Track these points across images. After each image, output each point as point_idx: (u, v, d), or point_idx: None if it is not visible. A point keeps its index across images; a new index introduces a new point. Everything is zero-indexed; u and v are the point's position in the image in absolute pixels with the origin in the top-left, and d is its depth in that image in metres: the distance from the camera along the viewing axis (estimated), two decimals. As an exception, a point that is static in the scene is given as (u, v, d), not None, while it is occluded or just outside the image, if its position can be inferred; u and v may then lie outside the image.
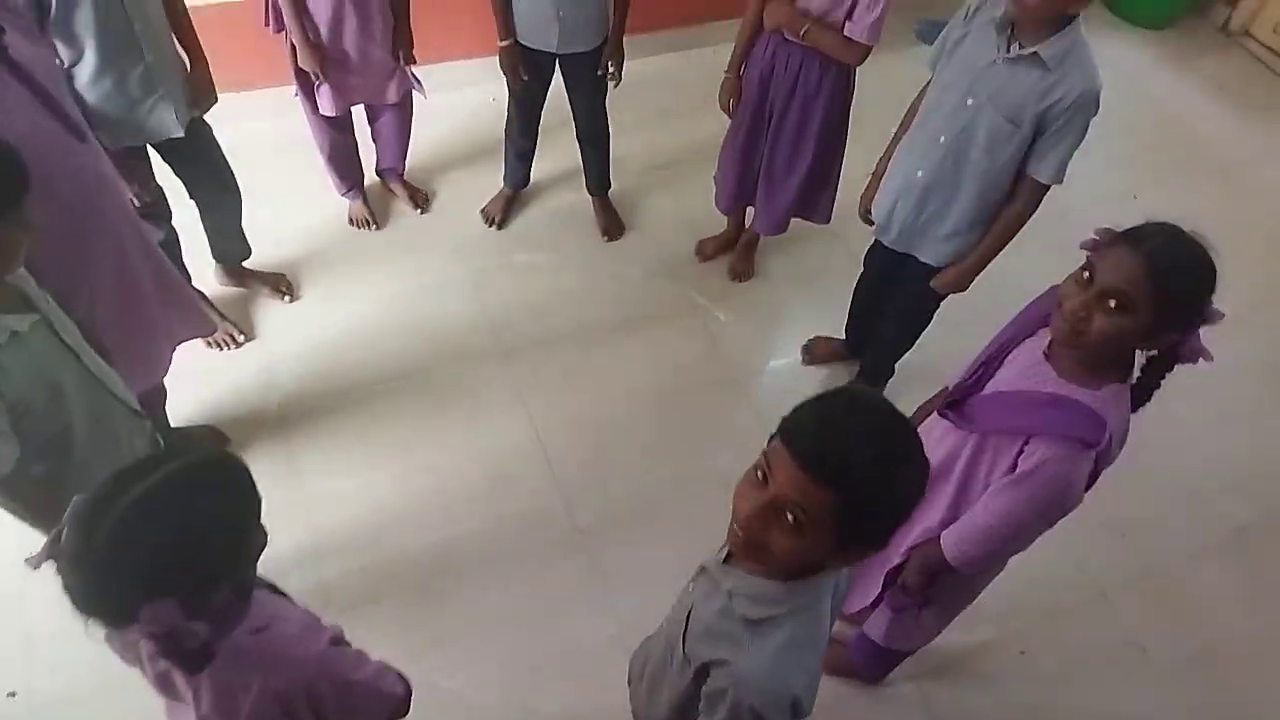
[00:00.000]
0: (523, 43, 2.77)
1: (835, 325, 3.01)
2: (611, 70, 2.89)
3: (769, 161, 2.82)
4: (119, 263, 1.99)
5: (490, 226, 3.35)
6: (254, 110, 3.23)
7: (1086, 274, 1.46)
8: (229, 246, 2.90)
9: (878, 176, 2.45)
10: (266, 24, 2.68)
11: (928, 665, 2.36)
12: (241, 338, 2.89)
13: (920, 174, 2.23)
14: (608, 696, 1.77)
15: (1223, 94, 4.36)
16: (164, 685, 1.25)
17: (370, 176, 3.32)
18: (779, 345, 3.14)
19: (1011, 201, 2.18)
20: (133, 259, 2.03)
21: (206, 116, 2.50)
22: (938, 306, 2.55)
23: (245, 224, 2.86)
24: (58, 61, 2.06)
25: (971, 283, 2.39)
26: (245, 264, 2.98)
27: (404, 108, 3.06)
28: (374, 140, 3.22)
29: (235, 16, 2.95)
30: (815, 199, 2.94)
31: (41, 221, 1.49)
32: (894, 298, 2.64)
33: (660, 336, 3.09)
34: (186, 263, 2.71)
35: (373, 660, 1.42)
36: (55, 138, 1.75)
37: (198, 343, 2.53)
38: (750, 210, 3.09)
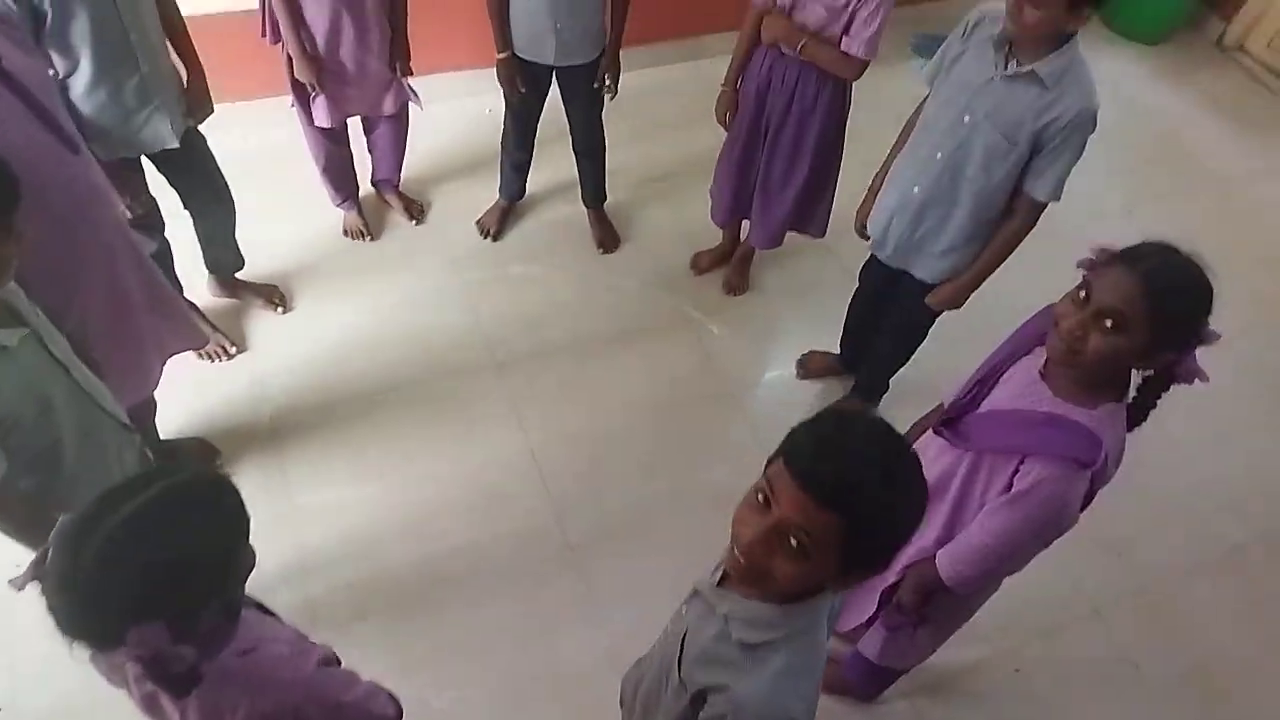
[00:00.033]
0: (520, 55, 2.77)
1: (830, 339, 3.01)
2: (608, 83, 2.89)
3: (765, 175, 2.82)
4: (110, 275, 1.97)
5: (485, 238, 3.34)
6: (249, 120, 3.22)
7: (1083, 293, 1.45)
8: (222, 257, 2.88)
9: (874, 191, 2.45)
10: (263, 35, 2.68)
11: (922, 683, 2.35)
12: (233, 349, 2.87)
13: (916, 190, 2.23)
14: (599, 717, 1.76)
15: (1217, 109, 4.38)
16: (150, 707, 1.23)
17: (365, 187, 3.31)
18: (774, 359, 3.13)
19: (1009, 219, 2.18)
20: (124, 271, 2.02)
21: (201, 127, 2.49)
22: (933, 322, 2.55)
23: (239, 235, 2.84)
24: (52, 72, 2.05)
25: (967, 299, 2.39)
26: (238, 275, 2.97)
27: (400, 119, 3.05)
28: (369, 151, 3.21)
29: (232, 27, 2.94)
30: (811, 213, 2.93)
31: (33, 234, 1.48)
32: (889, 313, 2.64)
33: (655, 349, 3.08)
34: (179, 273, 2.70)
35: (364, 681, 1.41)
36: (48, 149, 1.74)
37: (189, 354, 2.51)
38: (745, 224, 3.09)
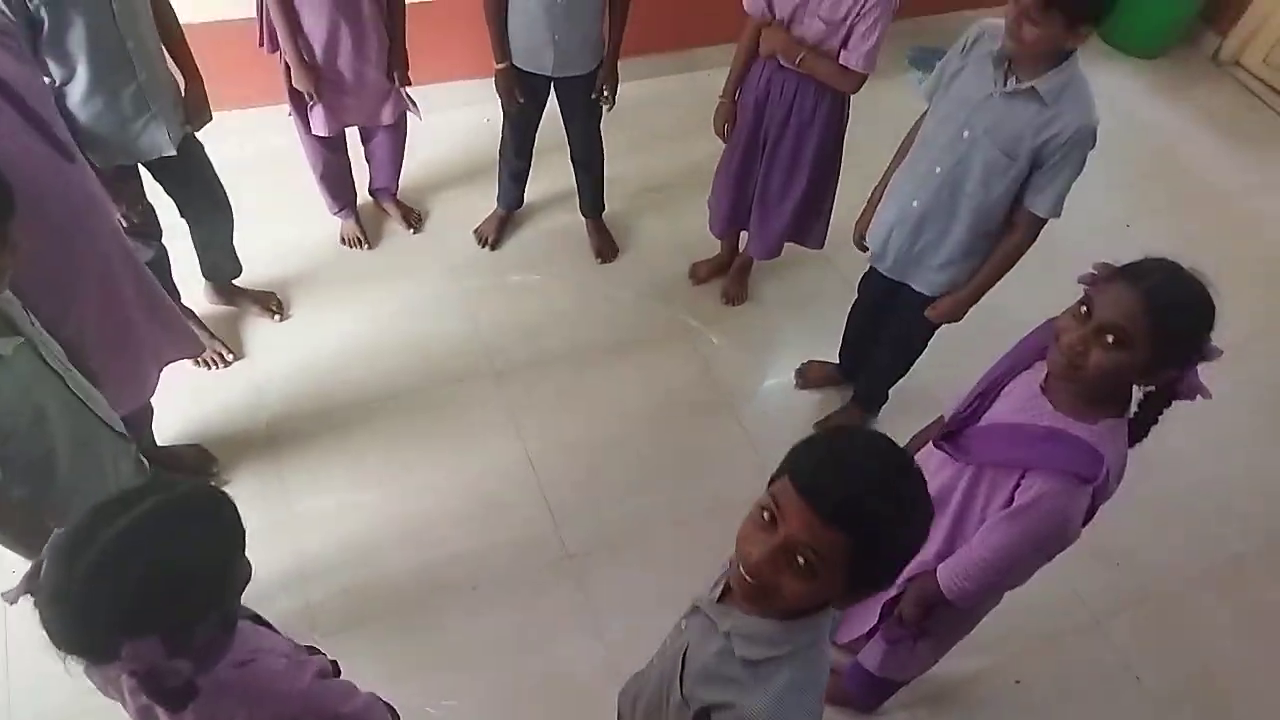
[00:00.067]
0: (518, 66, 2.77)
1: (828, 350, 3.01)
2: (605, 94, 2.89)
3: (763, 187, 2.82)
4: (106, 284, 1.96)
5: (483, 247, 3.33)
6: (247, 128, 3.21)
7: (1084, 308, 1.45)
8: (219, 264, 2.88)
9: (873, 204, 2.45)
10: (261, 44, 2.67)
11: (922, 694, 2.34)
12: (230, 356, 2.86)
13: (916, 204, 2.23)
14: (596, 728, 1.75)
15: (1214, 123, 4.40)
16: (146, 719, 1.22)
17: (363, 195, 3.31)
18: (772, 369, 3.13)
19: (1009, 234, 2.18)
20: (120, 279, 2.01)
21: (199, 134, 2.49)
22: (932, 335, 2.55)
23: (236, 242, 2.84)
24: (49, 80, 2.04)
25: (966, 313, 2.39)
26: (235, 282, 2.96)
27: (398, 129, 3.05)
28: (367, 160, 3.21)
29: (230, 34, 2.94)
30: (809, 224, 2.94)
31: (29, 243, 1.47)
32: (888, 325, 2.64)
33: (653, 359, 3.07)
34: (176, 280, 2.69)
35: (361, 692, 1.40)
36: (44, 159, 1.73)
37: (186, 361, 2.50)
38: (744, 234, 3.09)
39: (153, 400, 2.32)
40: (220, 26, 3.01)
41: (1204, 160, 4.21)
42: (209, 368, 2.83)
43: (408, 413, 2.82)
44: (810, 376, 3.04)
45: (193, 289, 2.87)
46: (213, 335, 2.84)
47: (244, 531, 1.14)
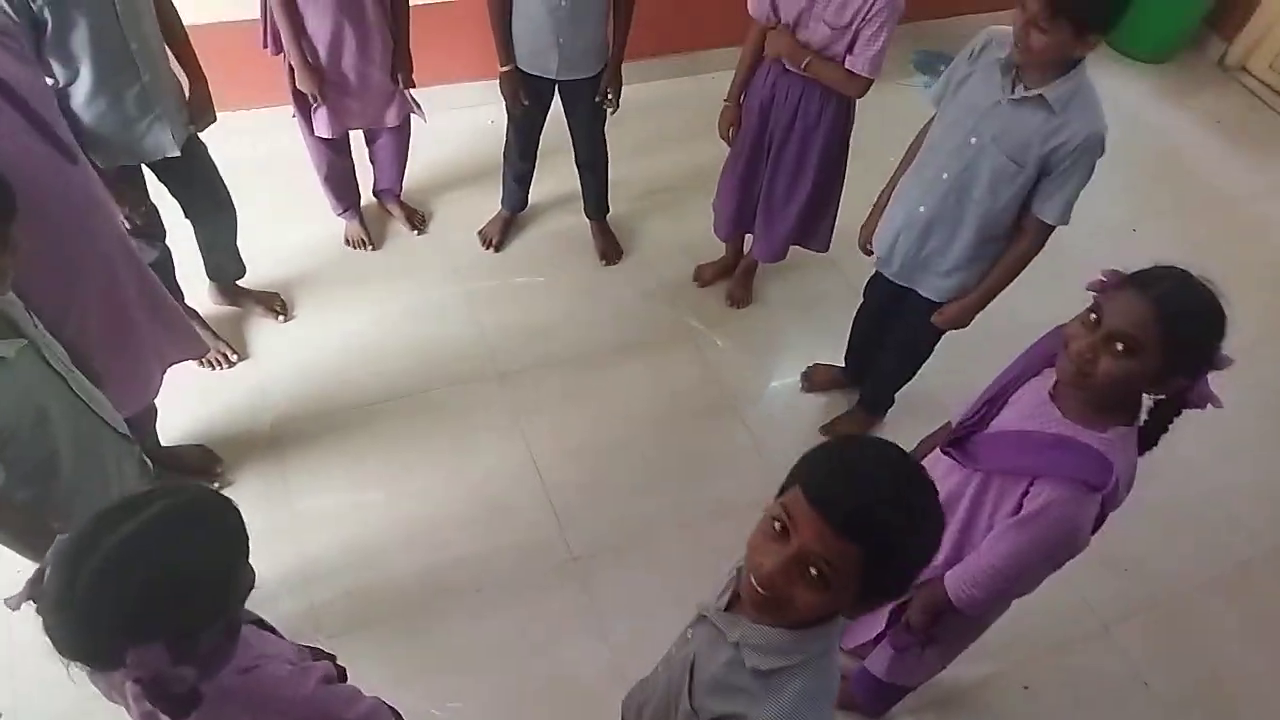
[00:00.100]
0: (523, 69, 2.76)
1: (833, 353, 3.00)
2: (609, 97, 2.89)
3: (768, 190, 2.82)
4: (109, 285, 1.96)
5: (488, 249, 3.33)
6: (251, 128, 3.21)
7: (1094, 316, 1.44)
8: (223, 265, 2.87)
9: (879, 209, 2.44)
10: (265, 46, 2.67)
11: (930, 699, 2.33)
12: (234, 357, 2.86)
13: (922, 209, 2.22)
14: (601, 734, 1.74)
15: (1220, 128, 4.39)
16: (149, 724, 1.21)
17: (367, 197, 3.30)
18: (777, 372, 3.12)
19: (1017, 240, 2.16)
20: (123, 281, 2.00)
21: (202, 135, 2.48)
22: (938, 340, 2.54)
23: (240, 242, 2.83)
24: (52, 81, 2.04)
25: (973, 320, 2.37)
26: (239, 282, 2.95)
27: (402, 130, 3.04)
28: (371, 162, 3.20)
29: (234, 35, 2.94)
30: (814, 227, 2.93)
31: (31, 244, 1.47)
32: (894, 329, 2.63)
33: (658, 361, 3.07)
34: (180, 280, 2.69)
35: (366, 697, 1.39)
36: (46, 160, 1.73)
37: (190, 361, 2.49)
38: (748, 237, 3.08)
39: (157, 401, 2.31)
40: (224, 27, 3.00)
41: (1210, 165, 4.20)
42: (213, 368, 2.82)
43: (411, 414, 2.81)
44: (816, 380, 3.03)
45: (197, 289, 2.87)
46: (217, 336, 2.83)
47: (248, 537, 1.14)
